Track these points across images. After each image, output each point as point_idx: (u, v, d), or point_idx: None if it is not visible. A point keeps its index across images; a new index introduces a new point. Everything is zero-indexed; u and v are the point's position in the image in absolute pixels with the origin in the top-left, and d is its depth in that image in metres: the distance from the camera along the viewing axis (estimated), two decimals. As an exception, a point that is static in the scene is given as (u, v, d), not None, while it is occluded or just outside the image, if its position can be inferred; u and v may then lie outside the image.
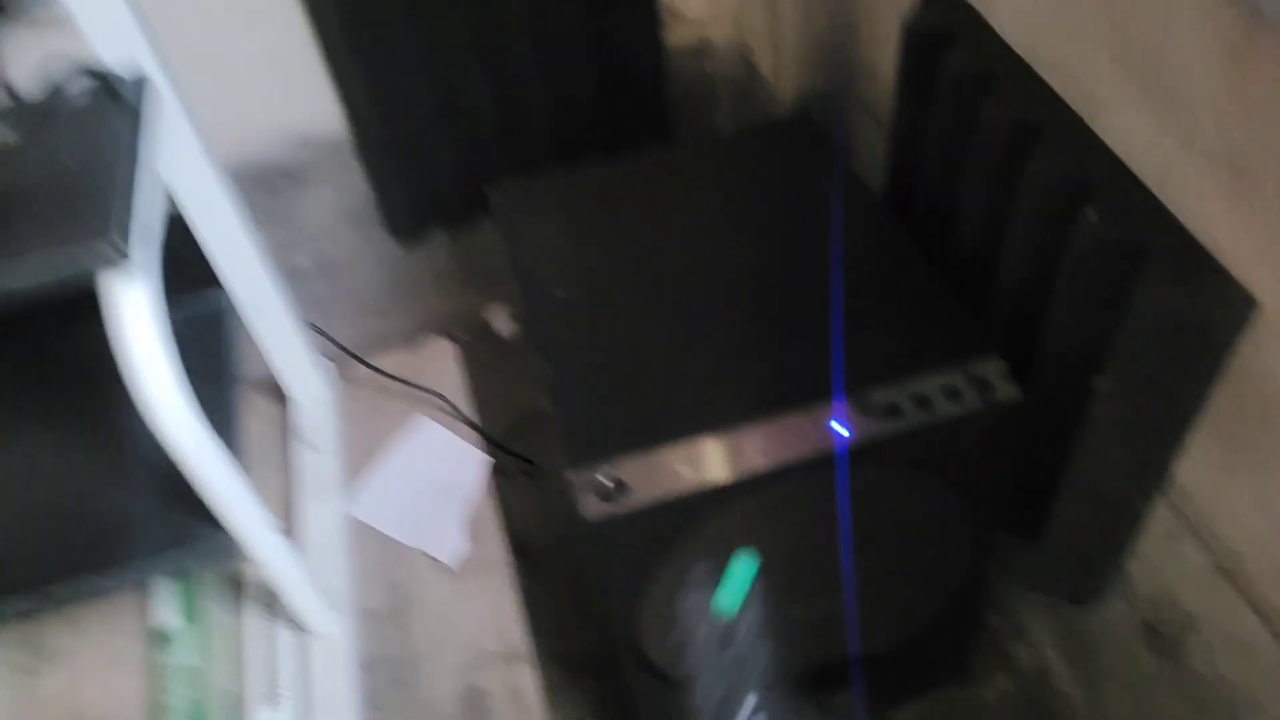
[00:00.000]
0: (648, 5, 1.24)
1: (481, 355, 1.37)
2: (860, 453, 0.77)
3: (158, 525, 0.73)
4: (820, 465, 0.77)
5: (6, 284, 0.53)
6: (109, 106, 0.61)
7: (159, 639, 0.84)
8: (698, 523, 0.78)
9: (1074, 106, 0.75)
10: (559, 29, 1.20)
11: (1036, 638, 1.10)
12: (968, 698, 1.10)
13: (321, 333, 0.99)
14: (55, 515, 0.74)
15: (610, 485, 0.76)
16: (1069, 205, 0.71)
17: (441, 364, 1.05)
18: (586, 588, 1.09)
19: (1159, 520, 0.80)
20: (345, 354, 1.02)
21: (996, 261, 0.83)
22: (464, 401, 1.01)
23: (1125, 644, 0.90)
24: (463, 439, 0.98)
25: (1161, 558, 0.81)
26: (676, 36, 1.34)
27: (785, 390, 0.78)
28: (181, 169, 0.73)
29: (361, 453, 0.98)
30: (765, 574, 0.86)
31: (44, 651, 0.87)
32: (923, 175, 0.94)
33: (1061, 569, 0.92)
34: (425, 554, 0.89)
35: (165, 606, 0.86)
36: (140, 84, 0.64)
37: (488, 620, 0.85)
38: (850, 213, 0.93)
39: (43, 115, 0.61)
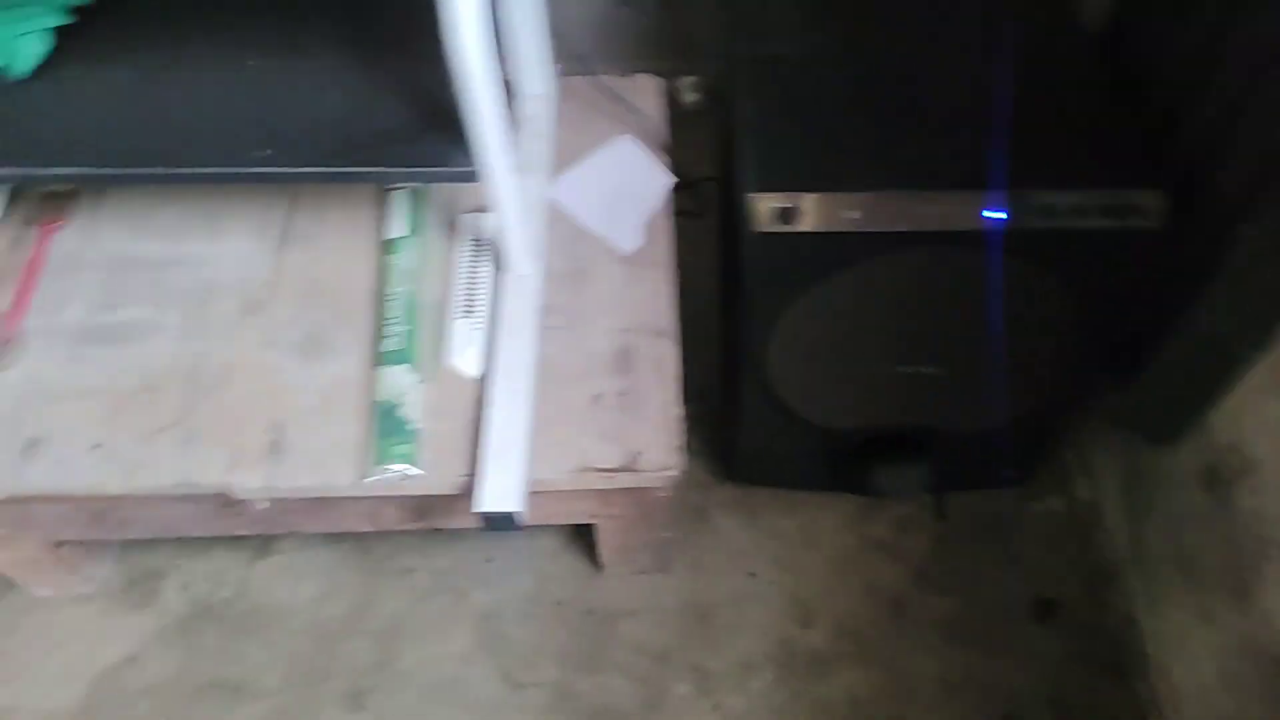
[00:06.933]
0: None
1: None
2: (1007, 240, 0.87)
3: (422, 143, 0.89)
4: (967, 240, 0.88)
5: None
6: None
7: (388, 244, 1.04)
8: (848, 261, 0.91)
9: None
10: None
11: (1101, 475, 1.21)
12: (1018, 506, 1.24)
13: (564, 42, 1.12)
14: (345, 115, 0.92)
15: (784, 209, 0.89)
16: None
17: (649, 95, 1.18)
18: (731, 313, 1.24)
19: (1256, 374, 0.89)
20: (574, 67, 1.15)
21: (1191, 113, 0.89)
22: (663, 131, 1.14)
23: (1183, 484, 1.01)
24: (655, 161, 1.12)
25: (1244, 408, 0.91)
26: None
27: (956, 170, 0.88)
28: None
29: (567, 152, 1.13)
30: (885, 329, 0.99)
31: (293, 234, 1.08)
32: (1142, 28, 0.98)
33: (1150, 409, 1.02)
34: (606, 240, 1.05)
35: (396, 220, 1.04)
36: None
37: (646, 302, 1.01)
38: (1065, 43, 0.99)
39: None
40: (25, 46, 0.92)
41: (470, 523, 1.00)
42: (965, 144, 0.91)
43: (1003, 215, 0.86)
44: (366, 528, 1.06)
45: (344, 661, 1.16)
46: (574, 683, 1.14)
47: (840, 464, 1.17)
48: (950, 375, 1.03)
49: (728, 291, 1.25)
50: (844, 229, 0.88)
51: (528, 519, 0.87)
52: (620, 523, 1.07)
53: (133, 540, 1.23)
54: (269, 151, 0.89)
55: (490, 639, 1.17)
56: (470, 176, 0.88)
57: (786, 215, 0.88)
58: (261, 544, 1.24)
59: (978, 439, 1.13)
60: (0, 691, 1.15)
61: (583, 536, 1.24)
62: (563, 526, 1.24)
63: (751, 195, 0.89)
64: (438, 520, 1.04)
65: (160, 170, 0.91)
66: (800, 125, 0.94)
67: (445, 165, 0.88)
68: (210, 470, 0.92)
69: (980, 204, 0.87)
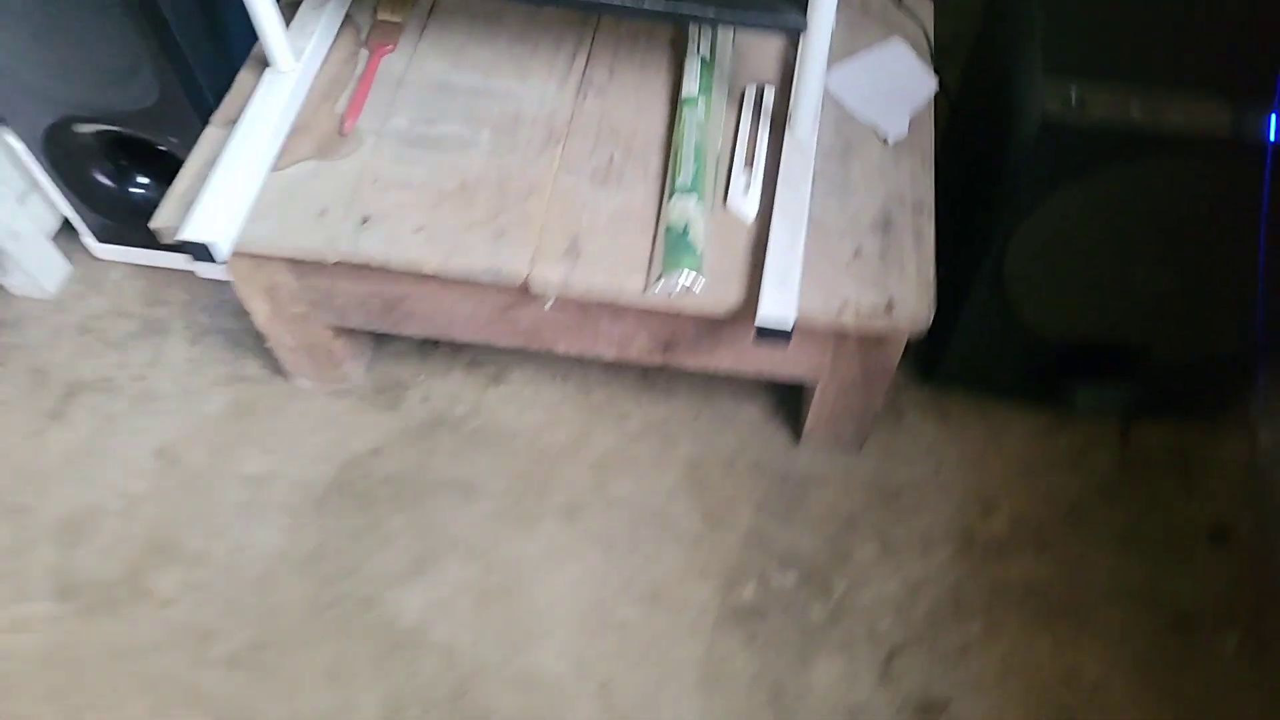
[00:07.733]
0: None
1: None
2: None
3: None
4: (1239, 149, 0.94)
5: None
6: None
7: (678, 100, 1.15)
8: (1124, 158, 0.98)
9: None
10: None
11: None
12: (1201, 441, 1.30)
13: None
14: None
15: (1074, 97, 0.96)
16: None
17: (922, 7, 1.27)
18: (962, 208, 1.32)
19: None
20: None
21: None
22: (930, 38, 1.23)
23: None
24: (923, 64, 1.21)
25: None
26: None
27: (1242, 79, 0.94)
28: None
29: (840, 48, 1.22)
30: (1137, 235, 1.06)
31: (590, 84, 1.20)
32: None
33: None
34: (873, 128, 1.15)
35: (688, 81, 1.16)
36: None
37: (907, 180, 1.10)
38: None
39: None
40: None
41: (707, 364, 1.13)
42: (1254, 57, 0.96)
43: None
44: (615, 354, 1.18)
45: (562, 481, 1.29)
46: (768, 529, 1.25)
47: (1043, 374, 1.25)
48: (1187, 291, 1.09)
49: (958, 185, 1.32)
50: (1131, 124, 0.94)
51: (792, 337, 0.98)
52: (841, 385, 1.17)
53: (386, 352, 1.38)
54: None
55: (693, 483, 1.29)
56: (798, 30, 0.99)
57: (1077, 103, 0.95)
58: (496, 372, 1.38)
59: (1185, 367, 1.19)
60: (265, 460, 1.31)
61: (785, 409, 1.34)
62: (768, 399, 1.34)
63: (1042, 79, 0.96)
64: (682, 356, 1.16)
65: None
66: (1091, 14, 1.00)
67: (779, 17, 0.99)
68: (516, 262, 1.04)
69: (1263, 111, 0.93)
